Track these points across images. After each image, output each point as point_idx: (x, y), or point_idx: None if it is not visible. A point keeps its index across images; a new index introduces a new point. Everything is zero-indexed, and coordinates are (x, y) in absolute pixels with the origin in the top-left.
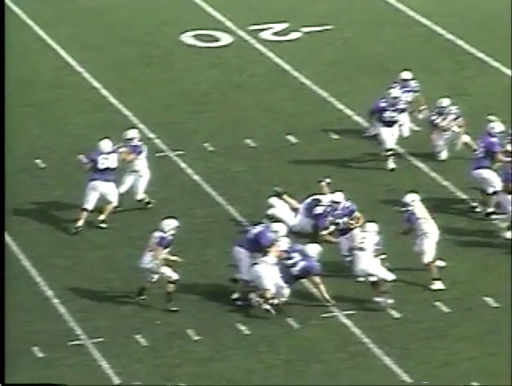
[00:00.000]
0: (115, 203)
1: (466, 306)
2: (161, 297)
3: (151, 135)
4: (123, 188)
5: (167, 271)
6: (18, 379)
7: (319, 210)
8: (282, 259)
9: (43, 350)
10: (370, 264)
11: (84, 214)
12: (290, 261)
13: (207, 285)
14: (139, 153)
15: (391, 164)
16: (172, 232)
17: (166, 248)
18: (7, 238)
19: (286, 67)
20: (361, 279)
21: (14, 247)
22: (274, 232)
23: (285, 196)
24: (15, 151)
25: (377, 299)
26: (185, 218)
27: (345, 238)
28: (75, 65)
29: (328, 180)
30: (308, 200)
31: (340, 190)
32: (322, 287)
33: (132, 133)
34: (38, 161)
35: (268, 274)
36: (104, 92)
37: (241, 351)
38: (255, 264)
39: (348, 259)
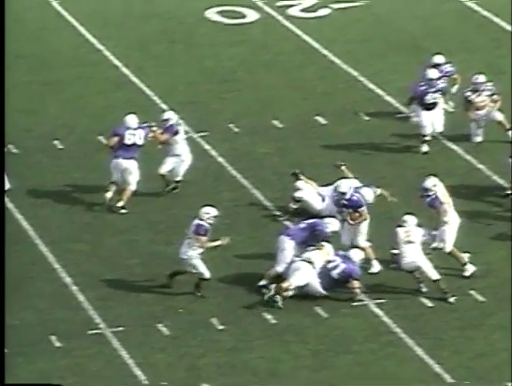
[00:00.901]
0: (133, 187)
1: (501, 295)
2: (184, 285)
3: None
4: (164, 169)
5: (202, 267)
6: (35, 369)
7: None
8: (324, 263)
9: (61, 339)
10: (419, 257)
11: (114, 187)
12: (330, 265)
13: (232, 271)
14: (174, 133)
15: (425, 147)
16: (211, 220)
17: (203, 236)
18: (24, 222)
19: (315, 44)
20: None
21: (30, 231)
22: (328, 225)
23: (303, 177)
24: (33, 131)
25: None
26: (209, 202)
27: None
28: (95, 42)
29: (343, 163)
30: (337, 183)
31: (344, 178)
32: (358, 291)
33: (168, 114)
34: (56, 141)
35: (305, 276)
36: (124, 70)
37: (267, 341)
38: (299, 258)
39: (396, 252)
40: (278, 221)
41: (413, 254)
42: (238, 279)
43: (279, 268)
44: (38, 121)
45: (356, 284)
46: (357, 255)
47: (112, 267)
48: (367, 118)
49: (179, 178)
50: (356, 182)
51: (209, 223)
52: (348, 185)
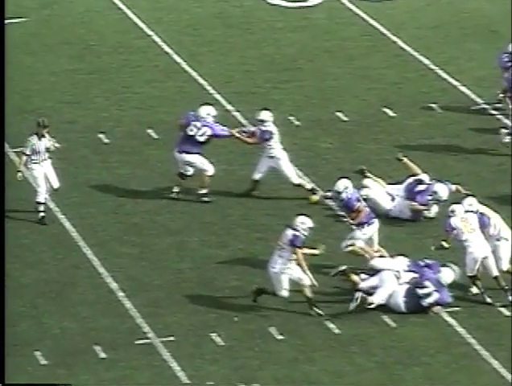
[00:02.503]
0: (210, 172)
1: None
2: (239, 290)
3: (229, 107)
4: (257, 175)
5: (298, 273)
6: (77, 382)
7: (420, 188)
8: (413, 283)
9: (106, 349)
10: (485, 246)
11: (181, 179)
12: (422, 291)
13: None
14: (265, 140)
15: (506, 138)
16: (306, 231)
17: (300, 248)
18: (66, 223)
19: (383, 30)
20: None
21: (73, 233)
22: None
23: (370, 174)
24: (76, 124)
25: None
26: (268, 200)
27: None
28: (143, 27)
29: (404, 156)
30: (409, 180)
31: (345, 177)
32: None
33: (265, 115)
34: (101, 135)
35: (390, 292)
36: (176, 57)
37: (329, 352)
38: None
39: (465, 244)
40: (342, 222)
41: (477, 244)
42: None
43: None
44: (82, 113)
45: (438, 308)
46: (448, 276)
47: (161, 271)
48: (440, 111)
49: (297, 181)
50: (425, 177)
51: (304, 235)
52: (345, 184)
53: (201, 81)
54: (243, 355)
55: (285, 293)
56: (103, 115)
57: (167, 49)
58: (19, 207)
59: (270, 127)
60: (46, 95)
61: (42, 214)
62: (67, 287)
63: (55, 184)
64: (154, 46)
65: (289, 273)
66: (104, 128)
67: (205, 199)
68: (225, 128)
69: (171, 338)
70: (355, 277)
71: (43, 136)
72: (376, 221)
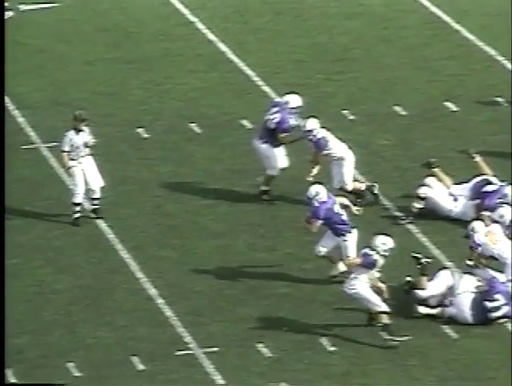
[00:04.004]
0: (271, 172)
1: None
2: (287, 298)
3: (278, 99)
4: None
5: (373, 299)
6: None
7: (489, 188)
8: (481, 295)
9: (145, 361)
10: None
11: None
12: (492, 305)
13: (344, 283)
14: (323, 148)
15: None
16: (386, 253)
17: (370, 268)
18: (102, 224)
19: (445, 17)
20: None
21: (110, 235)
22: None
23: (438, 170)
24: (113, 117)
25: None
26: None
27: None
28: (186, 13)
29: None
30: (477, 180)
31: (318, 183)
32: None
33: (311, 124)
34: (140, 130)
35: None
36: (221, 46)
37: (385, 365)
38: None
39: (497, 256)
40: (399, 224)
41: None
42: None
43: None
44: (119, 106)
45: (504, 320)
46: None
47: (204, 277)
48: (506, 105)
49: (351, 187)
50: (494, 180)
51: (383, 255)
52: (316, 190)
53: (248, 72)
54: (292, 368)
55: (384, 307)
56: (142, 108)
57: (211, 37)
58: (51, 207)
59: (321, 133)
60: (81, 86)
61: (77, 215)
62: (102, 293)
63: (96, 184)
64: (198, 33)
65: (367, 291)
66: (143, 122)
67: (264, 197)
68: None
69: (215, 349)
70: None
71: (81, 130)
72: (355, 231)
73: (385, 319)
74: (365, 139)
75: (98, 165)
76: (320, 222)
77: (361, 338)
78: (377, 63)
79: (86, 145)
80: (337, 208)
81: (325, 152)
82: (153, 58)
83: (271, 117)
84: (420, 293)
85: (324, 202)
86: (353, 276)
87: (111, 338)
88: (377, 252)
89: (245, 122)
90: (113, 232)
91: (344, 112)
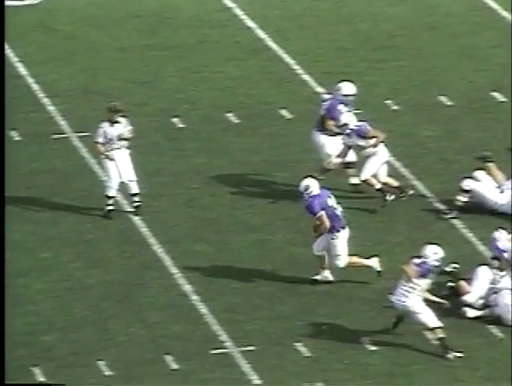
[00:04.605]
0: (326, 164)
1: None
2: (327, 295)
3: (319, 89)
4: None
5: (427, 313)
6: None
7: None
8: None
9: (178, 359)
10: None
11: (350, 170)
12: None
13: (386, 279)
14: (363, 136)
15: None
16: (437, 262)
17: (426, 277)
18: (135, 218)
19: (493, 4)
20: None
21: (143, 229)
22: None
23: (492, 165)
24: (146, 106)
25: None
26: (357, 194)
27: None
28: None
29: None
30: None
31: (310, 176)
32: None
33: (347, 118)
34: (175, 119)
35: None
36: (259, 33)
37: (428, 366)
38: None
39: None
40: (444, 219)
41: None
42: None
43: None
44: (153, 94)
45: None
46: None
47: (240, 273)
48: None
49: (384, 180)
50: None
51: (435, 266)
52: (307, 184)
53: (287, 60)
54: (331, 368)
55: (431, 323)
56: (177, 97)
57: (249, 23)
58: (82, 199)
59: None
60: (113, 74)
61: (109, 207)
62: (135, 289)
63: (127, 177)
64: (236, 20)
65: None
66: (178, 111)
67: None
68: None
69: (251, 348)
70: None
71: (116, 122)
72: (347, 229)
73: (439, 333)
74: (409, 130)
75: (130, 156)
76: (322, 213)
77: (403, 338)
78: (421, 52)
79: (120, 138)
80: (331, 202)
81: (361, 143)
82: (189, 45)
83: (323, 103)
84: (466, 298)
85: (316, 195)
86: (404, 288)
87: (144, 335)
88: (429, 261)
89: (284, 112)
90: (146, 226)
91: (388, 102)
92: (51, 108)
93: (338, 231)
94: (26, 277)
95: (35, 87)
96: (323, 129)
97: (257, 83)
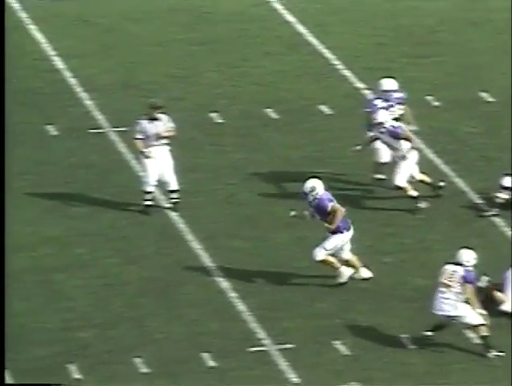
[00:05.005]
0: (380, 159)
1: None
2: (365, 292)
3: (359, 84)
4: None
5: (470, 313)
6: None
7: None
8: None
9: (216, 357)
10: None
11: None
12: None
13: (426, 277)
14: (398, 137)
15: None
16: (472, 267)
17: (472, 284)
18: (172, 214)
19: None
20: None
21: (180, 225)
22: None
23: None
24: (185, 101)
25: None
26: (397, 193)
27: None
28: None
29: None
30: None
31: (314, 177)
32: None
33: (383, 117)
34: (213, 114)
35: None
36: (299, 27)
37: (468, 365)
38: None
39: None
40: (484, 216)
41: None
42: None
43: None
44: (192, 89)
45: None
46: None
47: (279, 269)
48: None
49: (400, 184)
50: None
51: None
52: (312, 185)
53: (328, 55)
54: (370, 367)
55: (481, 320)
56: (216, 92)
57: (289, 18)
58: (120, 195)
59: (393, 126)
60: (151, 68)
61: (147, 202)
62: (172, 286)
63: (166, 174)
64: (275, 14)
65: (462, 314)
66: (216, 106)
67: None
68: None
69: (289, 346)
70: (499, 295)
71: (156, 119)
72: (352, 228)
73: (483, 331)
74: (450, 126)
75: (170, 151)
76: (333, 203)
77: (442, 337)
78: (463, 47)
79: (159, 136)
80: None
81: (393, 144)
82: (228, 39)
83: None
84: (504, 308)
85: (323, 194)
86: (445, 296)
87: (181, 332)
88: (467, 267)
89: (323, 108)
90: (184, 222)
91: (428, 97)
92: (88, 102)
93: (341, 232)
94: (63, 273)
95: (73, 81)
96: (369, 127)
97: (296, 78)
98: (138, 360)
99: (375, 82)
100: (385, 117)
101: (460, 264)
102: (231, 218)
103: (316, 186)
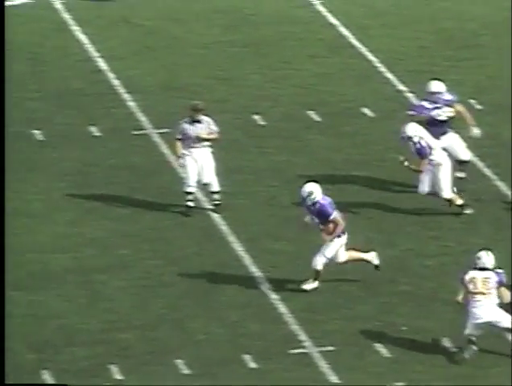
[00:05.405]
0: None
1: None
2: (407, 295)
3: (401, 87)
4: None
5: (504, 316)
6: None
7: None
8: None
9: (257, 359)
10: None
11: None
12: None
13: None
14: (424, 156)
15: None
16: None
17: (504, 285)
18: (214, 215)
19: None
20: None
21: (223, 227)
22: None
23: None
24: (227, 103)
25: None
26: (437, 197)
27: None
28: None
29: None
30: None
31: (312, 181)
32: None
33: (411, 130)
34: (256, 117)
35: None
36: (343, 30)
37: (510, 368)
38: None
39: None
40: None
41: None
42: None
43: None
44: (235, 91)
45: None
46: None
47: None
48: None
49: (448, 196)
50: None
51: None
52: (310, 189)
53: (370, 57)
54: (411, 370)
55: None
56: (258, 94)
57: (332, 20)
58: (162, 196)
59: (422, 139)
60: (194, 70)
61: (189, 203)
62: (213, 288)
63: (207, 176)
64: (319, 16)
65: (501, 319)
66: (259, 108)
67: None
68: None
69: (330, 348)
70: None
71: (198, 121)
72: (346, 234)
73: None
74: (493, 130)
75: (211, 153)
76: (336, 214)
77: (484, 340)
78: (506, 51)
79: (200, 138)
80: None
81: (425, 159)
82: (271, 41)
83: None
84: None
85: (322, 199)
86: (482, 303)
87: (222, 334)
88: (496, 270)
89: (366, 110)
90: (226, 224)
91: (471, 101)
92: (131, 103)
93: (339, 236)
94: (104, 274)
95: (116, 82)
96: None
97: (339, 80)
98: (179, 362)
99: (418, 85)
100: (414, 131)
101: (486, 269)
102: (273, 220)
103: (314, 191)
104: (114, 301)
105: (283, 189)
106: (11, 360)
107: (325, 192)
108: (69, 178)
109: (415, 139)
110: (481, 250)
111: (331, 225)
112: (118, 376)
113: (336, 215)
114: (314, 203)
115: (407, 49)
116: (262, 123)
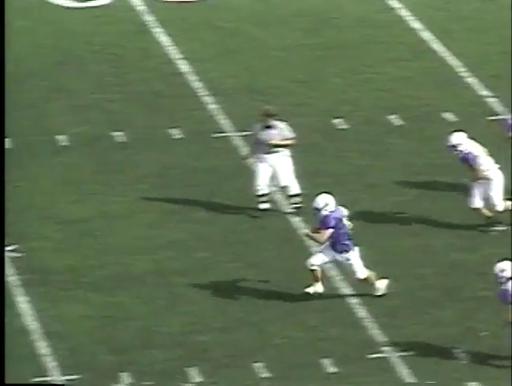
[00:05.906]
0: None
1: None
2: (487, 301)
3: (484, 92)
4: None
5: None
6: None
7: None
8: None
9: (336, 363)
10: None
11: None
12: None
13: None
14: (470, 164)
15: None
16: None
17: None
18: (293, 219)
19: None
20: None
21: (302, 229)
22: None
23: None
24: (308, 106)
25: None
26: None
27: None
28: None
29: None
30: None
31: (326, 192)
32: None
33: (456, 139)
34: (337, 120)
35: None
36: (425, 34)
37: None
38: None
39: None
40: None
41: None
42: None
43: None
44: (315, 94)
45: None
46: None
47: (400, 276)
48: None
49: (501, 207)
50: None
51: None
52: (326, 201)
53: (452, 62)
54: (491, 375)
55: None
56: (340, 97)
57: (415, 24)
58: (241, 199)
59: (468, 149)
60: (275, 73)
61: (261, 206)
62: (292, 291)
63: (284, 181)
64: (401, 20)
65: None
66: (340, 112)
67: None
68: None
69: (410, 353)
70: None
71: (269, 126)
72: (357, 249)
73: None
74: None
75: (291, 156)
76: (331, 231)
77: None
78: None
79: (272, 143)
80: (346, 221)
81: (475, 167)
82: (353, 45)
83: None
84: None
85: (333, 211)
86: None
87: (301, 338)
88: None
89: (447, 115)
90: (305, 227)
91: None
92: (212, 106)
93: (352, 249)
94: (184, 277)
95: (197, 84)
96: None
97: (420, 85)
98: (258, 365)
99: (500, 90)
100: (459, 140)
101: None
102: (355, 224)
103: (329, 203)
104: (193, 303)
105: (364, 193)
106: (90, 362)
107: (405, 196)
108: (149, 180)
109: (460, 148)
110: None
111: (319, 233)
112: (197, 379)
113: (331, 231)
114: (322, 214)
115: (490, 54)
116: (343, 127)
